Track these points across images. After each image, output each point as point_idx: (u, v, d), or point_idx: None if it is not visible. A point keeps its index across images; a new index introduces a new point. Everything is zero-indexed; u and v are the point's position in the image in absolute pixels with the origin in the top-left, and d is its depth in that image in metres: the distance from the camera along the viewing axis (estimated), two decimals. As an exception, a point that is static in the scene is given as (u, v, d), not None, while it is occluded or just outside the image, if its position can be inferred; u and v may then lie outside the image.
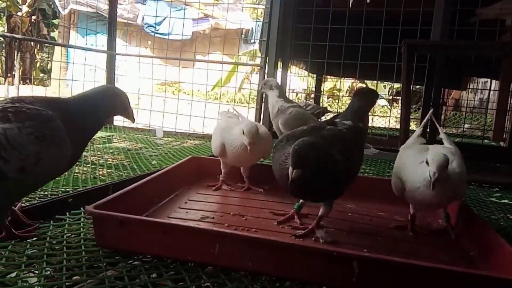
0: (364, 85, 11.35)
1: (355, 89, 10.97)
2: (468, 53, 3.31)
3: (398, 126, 3.61)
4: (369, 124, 4.84)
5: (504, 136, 4.50)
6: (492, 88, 5.08)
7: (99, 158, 2.40)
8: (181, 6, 6.14)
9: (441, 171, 1.21)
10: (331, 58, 3.57)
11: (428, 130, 3.31)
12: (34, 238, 1.20)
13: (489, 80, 5.28)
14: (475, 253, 1.30)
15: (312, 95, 5.73)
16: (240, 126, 1.69)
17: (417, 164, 1.31)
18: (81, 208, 1.44)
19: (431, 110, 1.74)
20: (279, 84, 2.52)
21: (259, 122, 3.33)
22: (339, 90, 8.62)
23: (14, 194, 1.19)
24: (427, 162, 1.24)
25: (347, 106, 1.62)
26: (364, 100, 1.58)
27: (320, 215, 1.37)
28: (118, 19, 4.23)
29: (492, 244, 1.25)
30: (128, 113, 1.36)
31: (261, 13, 4.07)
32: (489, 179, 2.51)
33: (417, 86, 5.99)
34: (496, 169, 3.06)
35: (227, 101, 7.78)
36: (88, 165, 2.21)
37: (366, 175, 2.45)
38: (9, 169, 1.09)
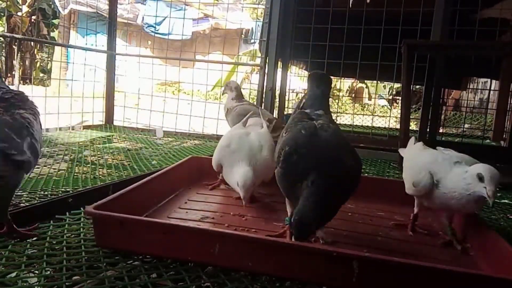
0: (363, 85, 11.35)
1: (355, 89, 11.00)
2: (468, 53, 3.31)
3: (398, 126, 3.60)
4: (369, 124, 4.82)
5: (504, 136, 4.50)
6: (492, 88, 5.07)
7: (99, 158, 2.40)
8: (181, 6, 6.13)
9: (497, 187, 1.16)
10: (331, 58, 3.57)
11: (428, 130, 3.32)
12: (34, 238, 1.20)
13: (489, 80, 5.28)
14: (475, 253, 1.30)
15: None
16: (238, 170, 1.54)
17: (451, 164, 1.27)
18: (81, 208, 1.45)
19: (412, 138, 1.69)
20: (238, 86, 2.88)
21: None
22: (339, 90, 8.62)
23: (18, 185, 1.21)
24: (480, 178, 1.18)
25: (308, 93, 1.51)
26: (324, 84, 1.50)
27: None
28: (118, 19, 4.22)
29: (492, 244, 1.25)
30: None
31: (261, 13, 4.07)
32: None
33: (417, 86, 5.99)
34: (496, 169, 3.05)
35: (227, 101, 7.75)
36: (88, 165, 2.21)
37: (366, 175, 2.45)
38: (36, 161, 1.17)
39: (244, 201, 1.48)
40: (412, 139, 1.68)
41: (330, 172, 1.13)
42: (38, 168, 2.05)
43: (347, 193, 1.20)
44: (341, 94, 7.46)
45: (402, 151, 1.69)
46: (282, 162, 1.23)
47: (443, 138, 3.85)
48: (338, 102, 5.83)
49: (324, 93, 1.48)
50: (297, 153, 1.19)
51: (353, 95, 10.51)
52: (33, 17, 9.81)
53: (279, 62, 3.68)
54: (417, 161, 1.43)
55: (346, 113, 6.83)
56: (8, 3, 9.83)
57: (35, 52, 11.21)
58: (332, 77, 1.62)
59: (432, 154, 1.39)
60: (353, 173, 1.21)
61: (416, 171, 1.37)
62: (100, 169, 2.13)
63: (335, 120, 1.49)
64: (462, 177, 1.22)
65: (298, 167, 1.17)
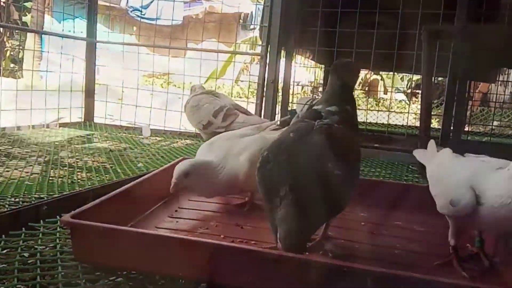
0: (378, 77, 11.34)
1: (368, 81, 10.99)
2: (497, 40, 3.31)
3: (417, 124, 3.61)
4: (385, 122, 4.82)
5: (538, 135, 4.51)
6: (525, 80, 5.08)
7: (77, 160, 2.41)
8: (170, -13, 6.14)
9: None
10: (341, 47, 3.56)
11: (452, 128, 3.31)
12: (4, 251, 1.20)
13: (521, 71, 5.29)
14: (504, 268, 1.29)
15: (320, 89, 5.72)
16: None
17: (493, 171, 1.18)
18: (57, 217, 1.45)
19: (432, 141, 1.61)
20: (195, 88, 3.00)
21: (260, 117, 3.32)
22: (351, 82, 8.61)
23: None
24: None
25: (327, 86, 1.50)
26: (346, 75, 1.48)
27: (326, 223, 1.36)
28: (99, 2, 4.23)
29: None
30: None
31: (262, -5, 4.08)
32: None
33: (440, 78, 5.99)
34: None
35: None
36: (65, 168, 2.22)
37: (382, 179, 2.45)
38: None
39: (172, 185, 1.50)
40: (432, 144, 1.59)
41: (302, 183, 1.14)
42: (8, 171, 2.05)
43: (329, 205, 1.19)
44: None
45: (420, 155, 1.62)
46: (257, 170, 1.25)
47: (469, 137, 3.86)
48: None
49: (344, 86, 1.46)
50: (274, 160, 1.21)
51: (366, 89, 10.51)
52: (2, 0, 9.82)
53: (282, 51, 3.68)
54: (451, 172, 1.32)
55: (359, 109, 6.84)
56: (-26, -17, 9.84)
57: (5, 40, 11.21)
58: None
59: (469, 163, 1.29)
60: (334, 184, 1.18)
61: (453, 187, 1.25)
62: (78, 173, 2.13)
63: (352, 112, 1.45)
64: (506, 176, 1.13)
65: (272, 176, 1.19)
